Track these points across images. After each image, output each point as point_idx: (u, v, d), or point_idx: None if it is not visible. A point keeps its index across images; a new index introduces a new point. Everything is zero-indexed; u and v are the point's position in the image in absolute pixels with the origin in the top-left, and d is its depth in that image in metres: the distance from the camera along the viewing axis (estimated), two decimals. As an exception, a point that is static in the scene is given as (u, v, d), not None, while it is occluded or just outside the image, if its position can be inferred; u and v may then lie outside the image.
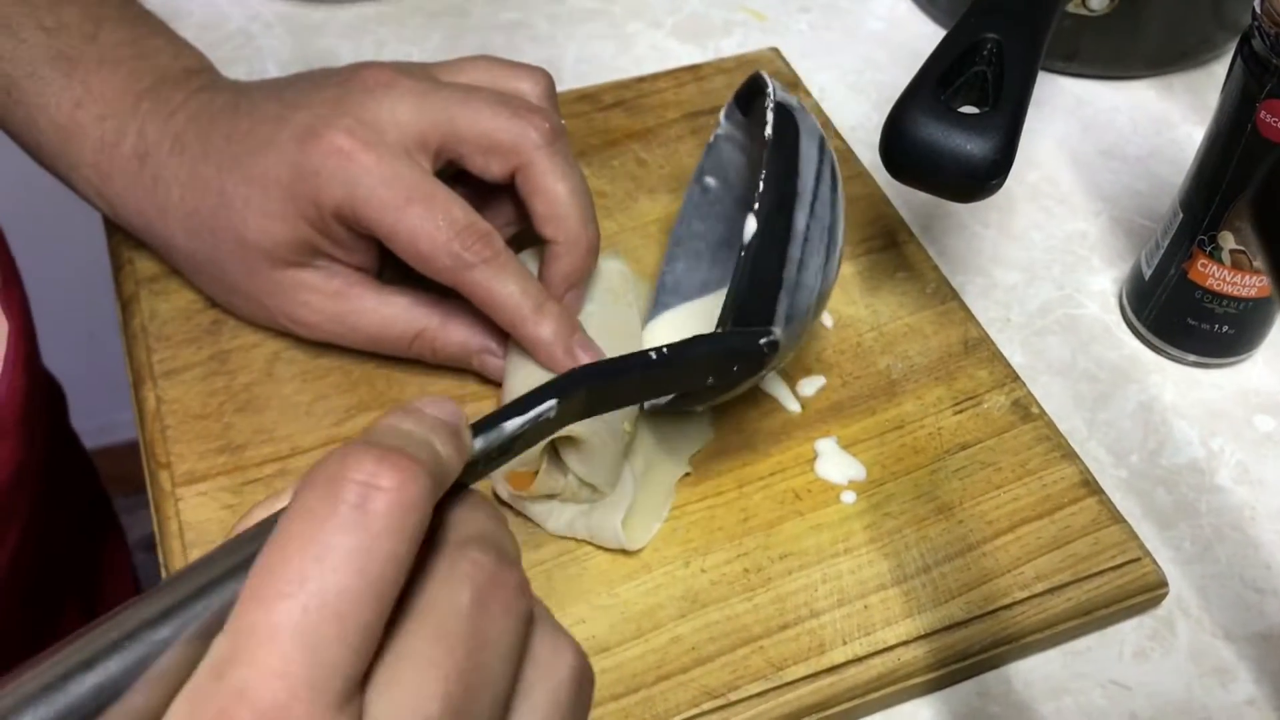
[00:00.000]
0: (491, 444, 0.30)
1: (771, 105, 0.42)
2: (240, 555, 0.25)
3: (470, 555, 0.26)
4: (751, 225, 0.40)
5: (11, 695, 0.23)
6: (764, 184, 0.41)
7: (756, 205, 0.40)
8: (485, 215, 0.44)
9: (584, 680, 0.28)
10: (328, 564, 0.23)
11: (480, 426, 0.30)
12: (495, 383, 0.46)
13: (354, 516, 0.24)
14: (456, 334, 0.46)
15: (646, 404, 0.45)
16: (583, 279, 0.46)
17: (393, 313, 0.46)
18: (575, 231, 0.45)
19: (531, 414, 0.31)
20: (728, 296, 0.40)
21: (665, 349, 0.37)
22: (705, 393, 0.42)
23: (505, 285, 0.43)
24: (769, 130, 0.42)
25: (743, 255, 0.40)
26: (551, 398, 0.31)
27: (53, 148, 0.48)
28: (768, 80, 0.44)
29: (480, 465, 0.30)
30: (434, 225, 0.42)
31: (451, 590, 0.25)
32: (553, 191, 0.44)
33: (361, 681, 0.24)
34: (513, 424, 0.30)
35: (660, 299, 0.49)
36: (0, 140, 0.51)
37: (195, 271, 0.48)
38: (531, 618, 0.27)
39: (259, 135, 0.44)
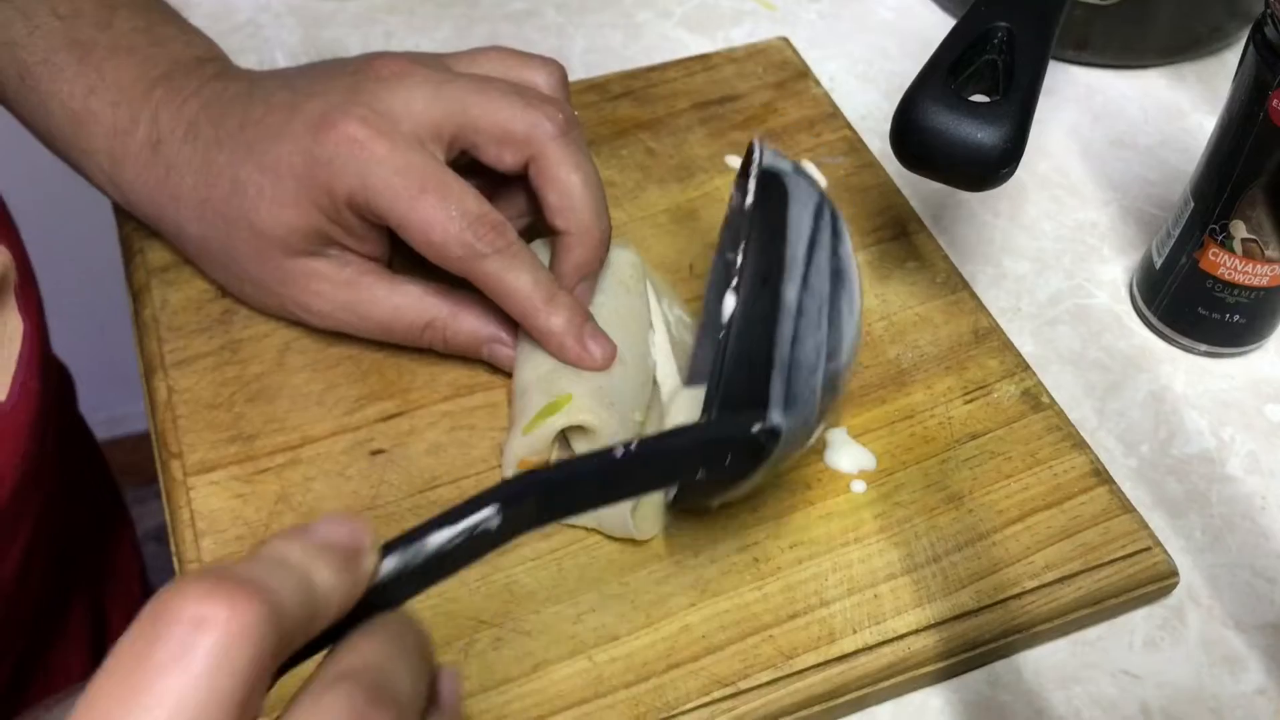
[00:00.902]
0: (411, 562, 0.27)
1: (755, 173, 0.41)
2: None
3: (340, 689, 0.25)
4: (730, 303, 0.38)
5: None
6: (744, 256, 0.39)
7: (735, 280, 0.39)
8: (497, 206, 0.44)
9: None
10: (150, 710, 0.22)
11: (397, 544, 0.27)
12: (506, 372, 0.47)
13: (175, 655, 0.23)
14: (467, 324, 0.46)
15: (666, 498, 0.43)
16: (594, 270, 0.46)
17: (404, 302, 0.46)
18: (588, 223, 0.45)
19: (463, 525, 0.28)
20: (709, 380, 0.38)
21: (632, 445, 0.33)
22: (715, 487, 0.39)
23: (517, 276, 0.43)
24: (749, 200, 0.40)
25: (723, 336, 0.38)
26: (490, 504, 0.28)
27: (65, 135, 0.48)
28: (757, 146, 0.42)
29: (404, 584, 0.27)
30: (446, 215, 0.42)
31: None
32: (566, 182, 0.44)
33: None
34: (438, 538, 0.28)
35: (689, 377, 0.47)
36: (11, 132, 0.51)
37: (206, 259, 0.48)
38: None
39: (272, 124, 0.44)
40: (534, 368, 0.44)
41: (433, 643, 0.29)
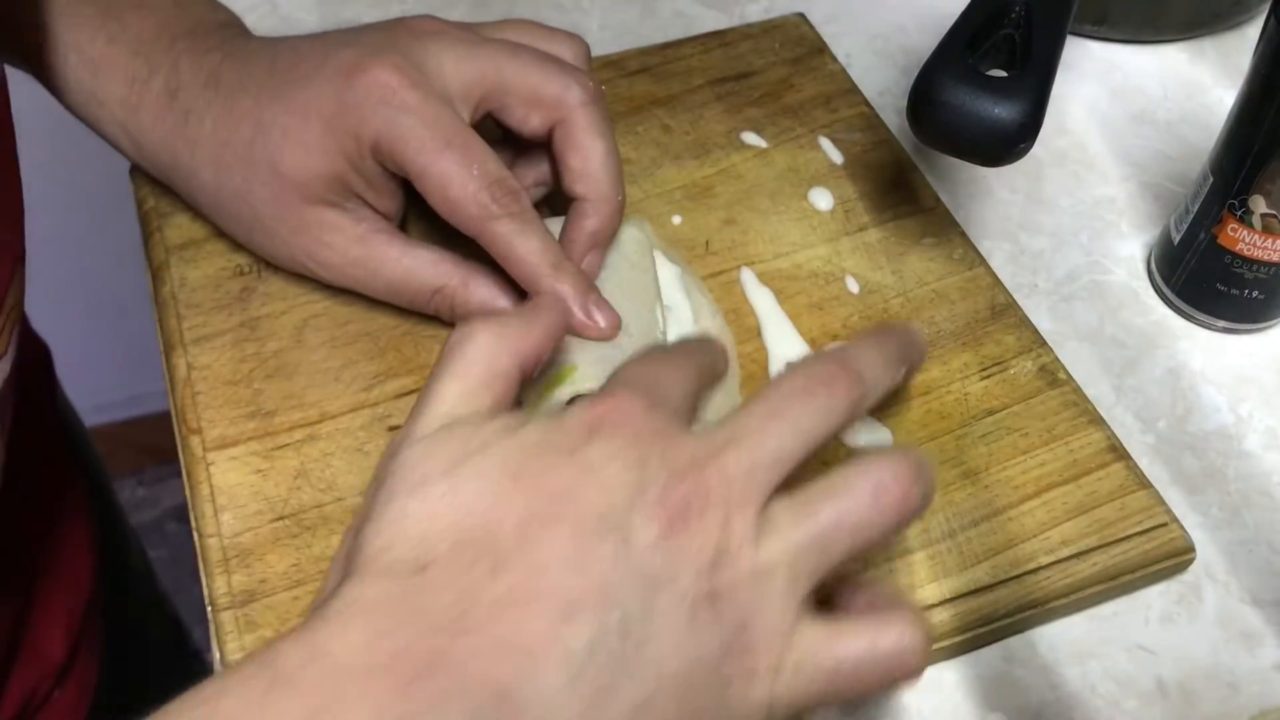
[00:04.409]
0: None
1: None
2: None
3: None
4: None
5: None
6: None
7: None
8: (514, 175, 0.45)
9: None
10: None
11: None
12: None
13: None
14: (477, 294, 0.46)
15: None
16: (606, 240, 0.46)
17: (416, 265, 0.46)
18: (605, 191, 0.45)
19: None
20: None
21: None
22: None
23: (527, 241, 0.43)
24: None
25: None
26: None
27: (82, 85, 0.48)
28: None
29: None
30: (467, 172, 0.42)
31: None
32: (589, 148, 0.45)
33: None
34: None
35: None
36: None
37: (219, 207, 0.48)
38: None
39: (302, 70, 0.45)
40: None
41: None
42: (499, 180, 0.43)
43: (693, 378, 0.36)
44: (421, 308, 0.47)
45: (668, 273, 0.48)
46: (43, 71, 0.50)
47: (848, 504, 0.33)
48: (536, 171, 0.48)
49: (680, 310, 0.47)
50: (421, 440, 0.33)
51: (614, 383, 0.35)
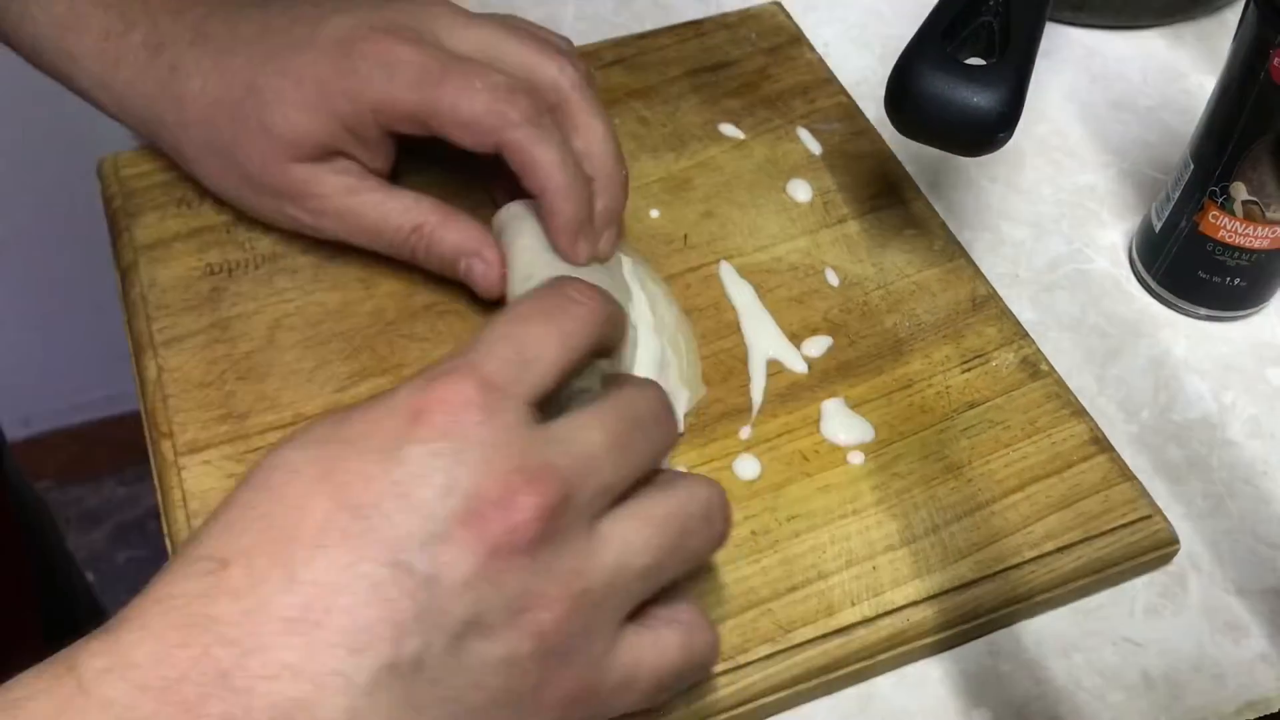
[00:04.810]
0: None
1: None
2: None
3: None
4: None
5: None
6: None
7: None
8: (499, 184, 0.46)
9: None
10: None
11: None
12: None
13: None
14: (453, 233, 0.46)
15: None
16: (618, 217, 0.46)
17: (396, 206, 0.46)
18: (612, 167, 0.45)
19: None
20: None
21: None
22: None
23: (547, 149, 0.43)
24: None
25: None
26: None
27: (51, 42, 0.48)
28: None
29: None
30: (472, 88, 0.43)
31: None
32: (590, 127, 0.45)
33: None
34: None
35: None
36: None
37: (202, 161, 0.48)
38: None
39: (296, 34, 0.45)
40: (526, 263, 0.44)
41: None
42: (511, 86, 0.43)
43: (568, 345, 0.34)
44: (399, 249, 0.47)
45: (624, 265, 0.48)
46: (7, 35, 0.49)
47: (682, 527, 0.33)
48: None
49: (638, 303, 0.46)
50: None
51: (473, 343, 0.33)
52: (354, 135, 0.45)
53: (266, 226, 0.50)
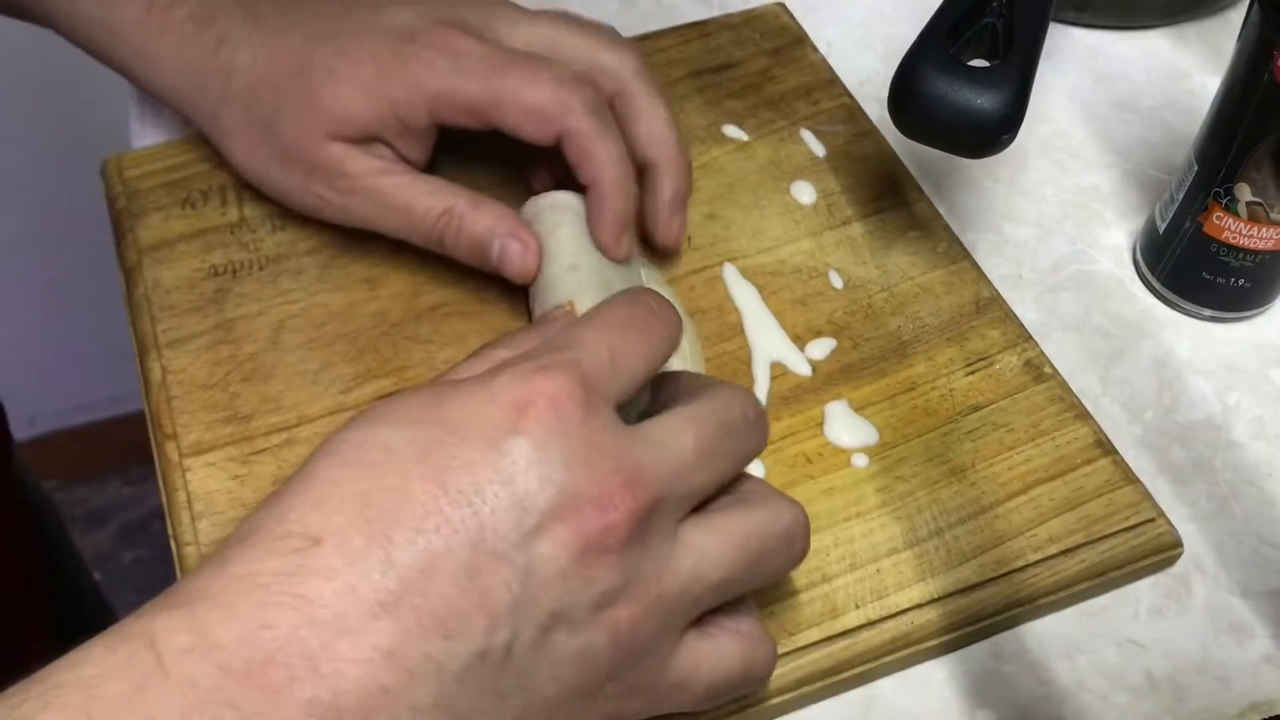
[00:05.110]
0: None
1: None
2: None
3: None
4: None
5: None
6: None
7: None
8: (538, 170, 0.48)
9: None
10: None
11: None
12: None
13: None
14: (486, 215, 0.45)
15: None
16: (686, 201, 0.47)
17: (425, 188, 0.46)
18: (677, 151, 0.46)
19: None
20: None
21: None
22: None
23: (606, 142, 0.44)
24: None
25: None
26: None
27: (90, 15, 0.48)
28: None
29: None
30: (538, 78, 0.43)
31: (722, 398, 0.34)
32: (654, 111, 0.46)
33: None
34: None
35: None
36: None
37: (237, 134, 0.48)
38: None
39: (356, 19, 0.46)
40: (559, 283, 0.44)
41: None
42: (573, 77, 0.43)
43: (654, 360, 0.34)
44: (428, 233, 0.46)
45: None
46: (44, 9, 0.50)
47: (762, 546, 0.34)
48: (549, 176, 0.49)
49: None
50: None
51: (570, 339, 0.33)
52: (401, 123, 0.45)
53: (272, 227, 0.50)
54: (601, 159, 0.44)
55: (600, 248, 0.45)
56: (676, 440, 0.32)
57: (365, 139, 0.45)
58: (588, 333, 0.33)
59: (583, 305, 0.42)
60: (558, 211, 0.46)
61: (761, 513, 0.34)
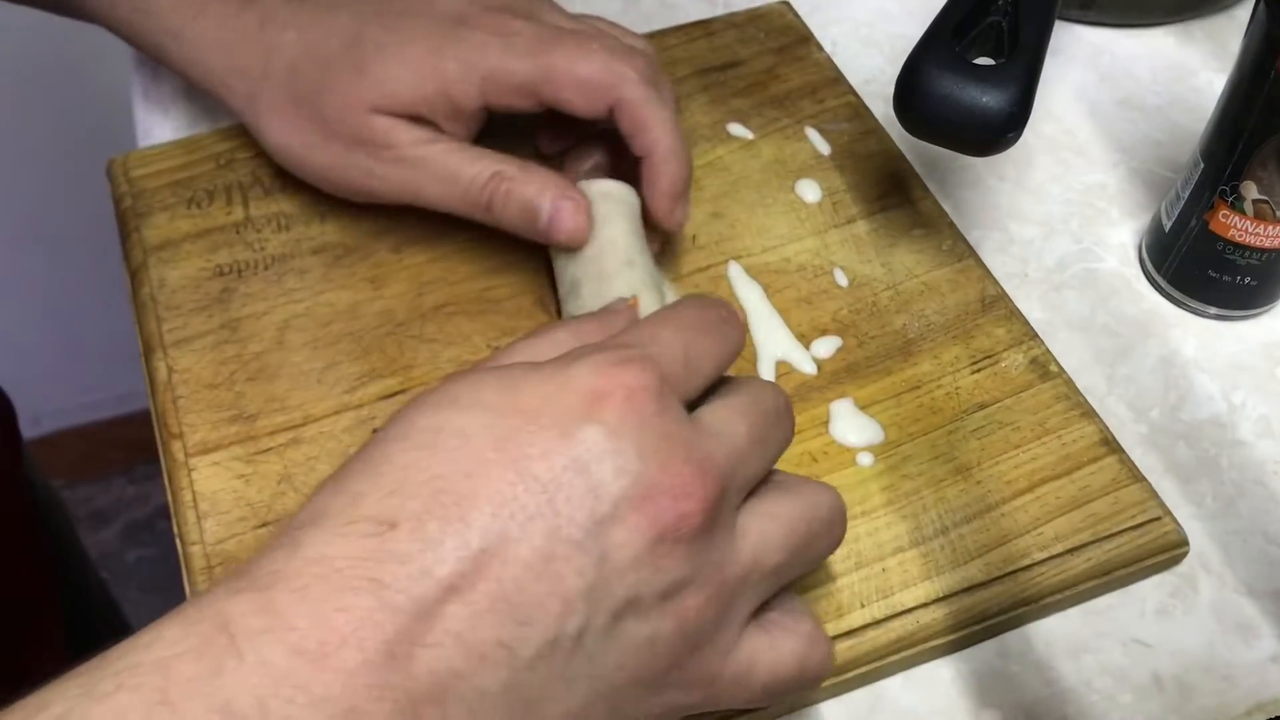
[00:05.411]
0: None
1: None
2: None
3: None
4: None
5: None
6: None
7: None
8: (574, 152, 0.49)
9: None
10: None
11: None
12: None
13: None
14: (536, 177, 0.45)
15: None
16: (687, 190, 0.47)
17: (471, 154, 0.46)
18: (674, 144, 0.45)
19: None
20: None
21: None
22: None
23: (661, 109, 0.44)
24: None
25: None
26: None
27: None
28: None
29: None
30: (588, 50, 0.44)
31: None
32: (650, 118, 0.45)
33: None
34: None
35: None
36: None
37: (276, 110, 0.48)
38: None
39: (410, 3, 0.46)
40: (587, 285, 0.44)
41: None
42: (624, 48, 0.44)
43: (721, 365, 0.35)
44: (475, 198, 0.45)
45: None
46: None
47: (811, 530, 0.34)
48: (596, 155, 0.49)
49: (654, 303, 0.46)
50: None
51: (647, 336, 0.33)
52: (451, 103, 0.45)
53: (277, 226, 0.50)
54: (657, 127, 0.44)
55: (656, 217, 0.45)
56: (733, 429, 0.33)
57: (410, 118, 0.45)
58: (665, 331, 0.34)
59: (644, 302, 0.42)
60: (609, 201, 0.45)
61: (805, 497, 0.34)
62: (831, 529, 0.35)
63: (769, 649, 0.34)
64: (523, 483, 0.29)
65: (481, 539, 0.29)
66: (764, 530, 0.33)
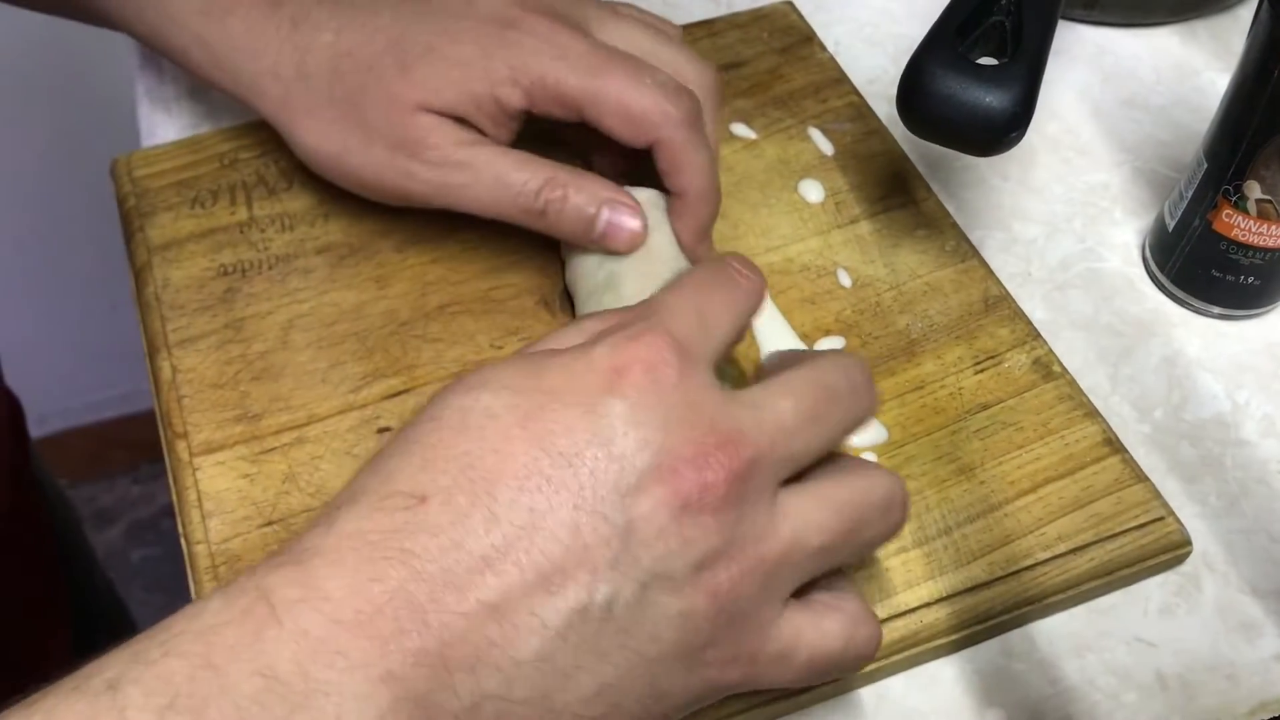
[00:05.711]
0: None
1: None
2: None
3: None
4: None
5: None
6: None
7: None
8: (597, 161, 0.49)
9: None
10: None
11: None
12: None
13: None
14: (590, 183, 0.45)
15: None
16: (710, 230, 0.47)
17: (518, 159, 0.45)
18: (707, 189, 0.45)
19: None
20: None
21: None
22: None
23: (700, 154, 0.44)
24: None
25: None
26: None
27: (149, 2, 0.49)
28: None
29: None
30: (641, 83, 0.43)
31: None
32: (710, 138, 0.46)
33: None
34: None
35: None
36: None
37: (311, 113, 0.47)
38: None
39: (452, 5, 0.45)
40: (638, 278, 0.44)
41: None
42: (675, 87, 0.44)
43: (741, 316, 0.35)
44: (528, 205, 0.45)
45: None
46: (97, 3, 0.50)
47: (860, 515, 0.34)
48: (617, 161, 0.49)
49: None
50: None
51: (658, 306, 0.34)
52: (497, 104, 0.44)
53: (281, 226, 0.50)
54: (692, 171, 0.44)
55: (686, 251, 0.45)
56: (774, 403, 0.33)
57: (452, 113, 0.45)
58: (673, 297, 0.34)
59: None
60: (652, 211, 0.45)
61: (860, 481, 0.34)
62: (886, 515, 0.35)
63: (812, 627, 0.34)
64: (548, 457, 0.30)
65: (508, 511, 0.30)
66: (806, 509, 0.33)
